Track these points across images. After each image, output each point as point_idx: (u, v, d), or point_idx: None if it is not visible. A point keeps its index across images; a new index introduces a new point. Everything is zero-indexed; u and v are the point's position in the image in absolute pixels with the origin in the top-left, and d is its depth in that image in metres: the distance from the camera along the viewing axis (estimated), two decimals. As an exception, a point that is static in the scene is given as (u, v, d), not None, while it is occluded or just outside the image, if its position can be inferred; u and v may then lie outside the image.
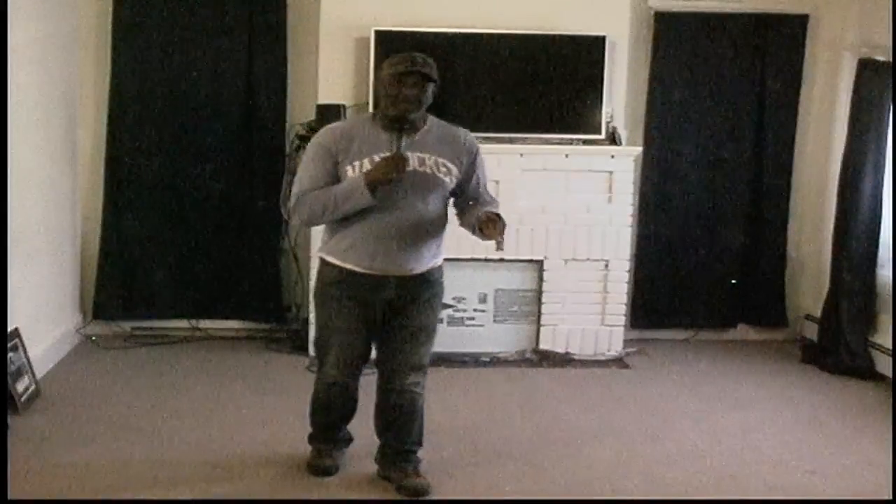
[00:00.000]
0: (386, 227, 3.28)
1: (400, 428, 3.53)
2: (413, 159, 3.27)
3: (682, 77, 5.61)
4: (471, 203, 3.48)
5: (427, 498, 3.47)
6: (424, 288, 3.41)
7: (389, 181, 3.21)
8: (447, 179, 3.35)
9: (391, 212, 3.27)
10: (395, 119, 3.27)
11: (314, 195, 3.30)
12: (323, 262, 3.44)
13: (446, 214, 3.46)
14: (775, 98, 5.67)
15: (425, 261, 3.37)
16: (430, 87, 3.27)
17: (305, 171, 3.36)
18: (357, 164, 3.27)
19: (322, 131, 3.42)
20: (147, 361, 5.12)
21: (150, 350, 5.32)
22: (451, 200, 3.49)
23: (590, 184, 5.28)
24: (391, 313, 3.40)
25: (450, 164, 3.35)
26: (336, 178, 3.30)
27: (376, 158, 3.25)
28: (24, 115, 4.45)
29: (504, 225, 3.26)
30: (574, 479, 3.72)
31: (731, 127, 5.68)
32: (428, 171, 3.31)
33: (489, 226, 3.24)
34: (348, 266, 3.33)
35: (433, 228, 3.37)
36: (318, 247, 3.47)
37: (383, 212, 3.26)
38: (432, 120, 3.41)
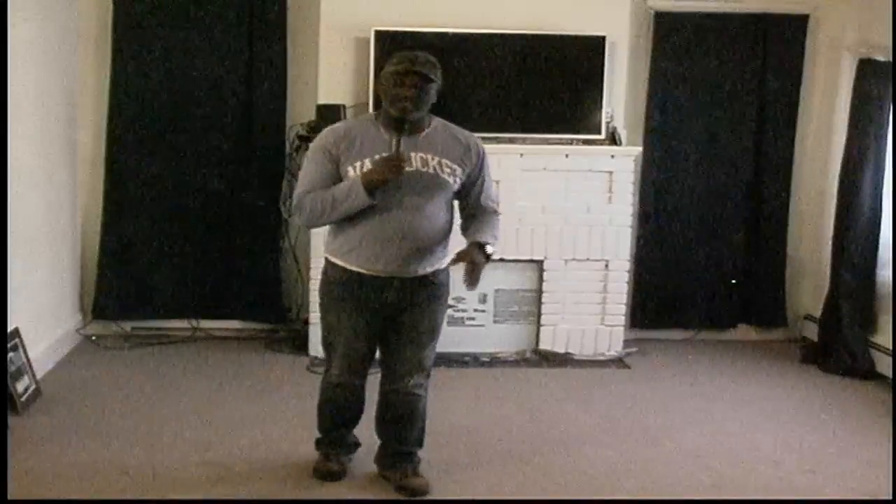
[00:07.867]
0: (388, 229, 3.25)
1: (400, 430, 3.53)
2: (416, 159, 3.24)
3: (682, 77, 5.60)
4: (472, 213, 3.44)
5: (426, 498, 3.47)
6: (427, 290, 3.38)
7: (386, 182, 3.18)
8: (451, 180, 3.31)
9: (393, 213, 3.24)
10: (396, 119, 3.23)
11: (314, 196, 3.27)
12: (328, 263, 3.43)
13: (451, 217, 3.42)
14: (775, 98, 5.66)
15: (429, 263, 3.34)
16: (432, 88, 3.23)
17: (306, 172, 3.34)
18: (358, 164, 3.24)
19: (323, 132, 3.38)
20: (147, 361, 5.12)
21: (150, 350, 5.32)
22: (457, 203, 3.46)
23: (590, 184, 5.28)
24: (394, 315, 3.38)
25: (454, 165, 3.30)
26: (338, 179, 3.27)
27: (378, 159, 3.23)
28: (24, 115, 4.45)
29: (481, 268, 3.24)
30: (574, 479, 3.72)
31: (731, 127, 5.67)
32: (431, 171, 3.27)
33: (467, 262, 3.24)
34: (353, 268, 3.32)
35: (437, 230, 3.33)
36: (324, 247, 3.46)
37: (385, 213, 3.23)
38: (438, 121, 3.37)
